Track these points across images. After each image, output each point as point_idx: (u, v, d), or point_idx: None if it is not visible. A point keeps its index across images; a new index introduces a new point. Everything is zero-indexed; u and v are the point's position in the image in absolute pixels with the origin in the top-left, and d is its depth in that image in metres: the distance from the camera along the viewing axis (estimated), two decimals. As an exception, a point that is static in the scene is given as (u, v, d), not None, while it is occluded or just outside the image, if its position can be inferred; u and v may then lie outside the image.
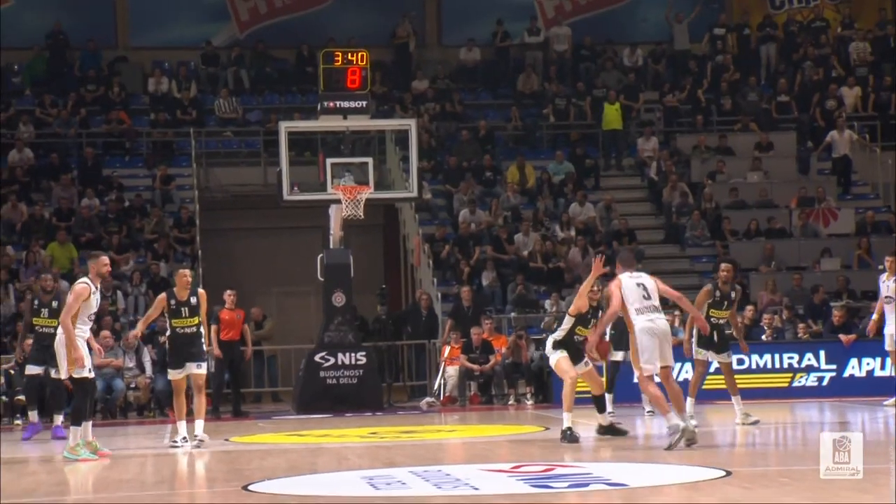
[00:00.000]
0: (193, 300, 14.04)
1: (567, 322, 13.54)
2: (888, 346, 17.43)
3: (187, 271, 14.34)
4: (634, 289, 12.34)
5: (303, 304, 25.45)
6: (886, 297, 17.29)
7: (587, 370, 13.73)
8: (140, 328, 14.84)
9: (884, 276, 17.41)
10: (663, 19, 29.01)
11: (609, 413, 16.23)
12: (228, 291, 19.30)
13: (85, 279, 12.85)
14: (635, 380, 16.35)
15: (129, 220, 24.23)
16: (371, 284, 22.83)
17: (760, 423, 14.81)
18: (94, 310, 12.91)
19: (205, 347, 14.23)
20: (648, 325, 12.23)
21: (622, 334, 16.09)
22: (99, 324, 20.50)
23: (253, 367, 21.98)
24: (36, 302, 16.11)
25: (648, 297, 12.32)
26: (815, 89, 27.77)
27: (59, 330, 12.87)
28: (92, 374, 12.82)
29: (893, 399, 17.17)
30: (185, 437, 14.09)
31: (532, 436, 15.17)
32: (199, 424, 14.09)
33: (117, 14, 28.76)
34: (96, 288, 12.84)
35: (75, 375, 12.67)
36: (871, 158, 26.56)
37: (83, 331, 12.76)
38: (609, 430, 13.89)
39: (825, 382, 19.69)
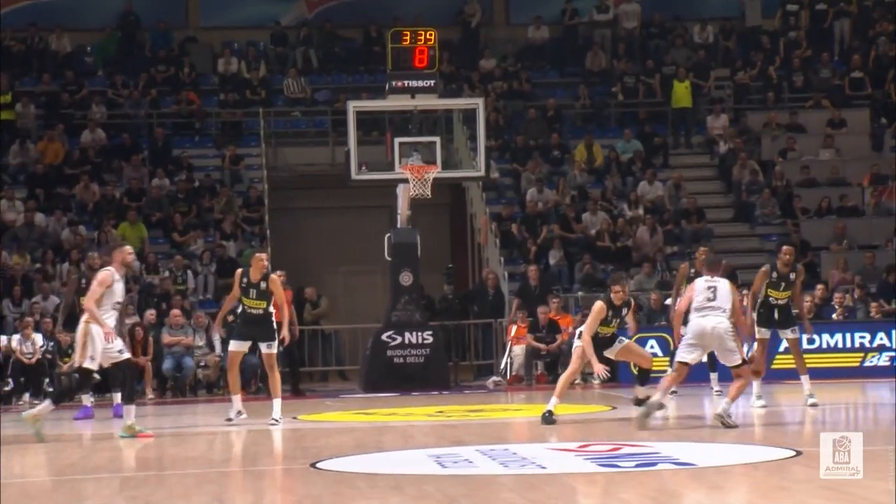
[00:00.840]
0: (263, 285, 14.18)
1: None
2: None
3: (264, 255, 14.50)
4: (703, 290, 12.77)
5: (370, 283, 25.54)
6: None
7: (623, 346, 13.92)
8: (223, 311, 15.04)
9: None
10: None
11: (716, 391, 16.15)
12: (278, 272, 19.34)
13: (109, 267, 12.94)
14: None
15: (198, 200, 24.42)
16: (438, 263, 22.86)
17: (818, 406, 14.56)
18: (119, 299, 12.91)
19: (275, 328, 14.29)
20: (698, 323, 12.63)
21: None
22: (168, 303, 20.78)
23: (320, 346, 22.11)
24: (83, 281, 16.14)
25: (713, 299, 12.67)
26: (891, 65, 27.32)
27: (82, 318, 12.89)
28: (96, 366, 12.80)
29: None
30: (239, 412, 14.22)
31: (599, 415, 15.12)
32: (277, 404, 14.18)
33: (187, -6, 29.00)
34: (120, 277, 12.93)
35: (83, 365, 12.76)
36: (947, 135, 26.11)
37: (107, 316, 12.83)
38: (641, 404, 13.89)
39: (897, 362, 19.46)
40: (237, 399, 14.37)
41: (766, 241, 24.00)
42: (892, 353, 19.52)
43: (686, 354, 12.74)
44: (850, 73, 27.36)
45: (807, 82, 27.38)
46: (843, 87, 27.25)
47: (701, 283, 12.86)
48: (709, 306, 12.62)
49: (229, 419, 14.27)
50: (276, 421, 14.05)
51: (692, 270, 16.65)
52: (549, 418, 13.37)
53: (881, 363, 19.45)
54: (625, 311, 13.73)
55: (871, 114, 26.67)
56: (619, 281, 14.06)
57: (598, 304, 13.71)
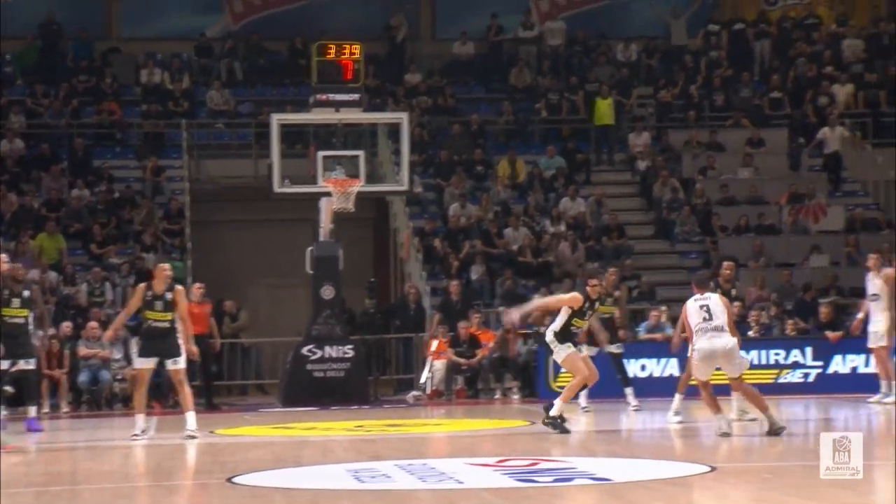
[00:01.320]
0: (169, 296, 14.00)
1: (564, 313, 13.76)
2: (871, 344, 17.43)
3: (167, 266, 14.39)
4: (697, 311, 13.02)
5: (293, 296, 25.41)
6: (872, 294, 17.31)
7: (582, 355, 14.16)
8: (118, 322, 14.90)
9: (870, 274, 17.44)
10: (657, 15, 29.01)
11: (584, 408, 16.43)
12: (196, 284, 19.21)
13: None
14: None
15: (118, 212, 24.18)
16: (360, 277, 22.83)
17: (757, 420, 14.74)
18: None
19: (181, 342, 14.14)
20: (704, 345, 12.90)
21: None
22: (85, 316, 20.55)
23: (239, 360, 21.99)
24: (7, 292, 15.93)
25: (710, 318, 12.92)
26: (808, 86, 27.77)
27: None
28: None
29: (877, 396, 17.21)
30: (143, 430, 14.09)
31: (517, 430, 15.19)
32: (191, 417, 14.07)
33: (111, 4, 28.71)
34: None
35: None
36: (862, 156, 26.57)
37: None
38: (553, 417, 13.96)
39: (811, 379, 19.76)
40: (141, 418, 14.16)
41: (686, 258, 24.28)
42: (806, 371, 19.83)
43: (701, 375, 13.06)
44: (769, 92, 27.77)
45: (727, 101, 27.73)
46: (762, 107, 27.65)
47: (692, 305, 13.09)
48: (707, 327, 12.88)
49: (135, 435, 14.10)
50: (193, 434, 13.92)
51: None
52: (561, 425, 13.43)
53: (795, 380, 19.75)
54: (598, 304, 13.82)
55: (790, 133, 27.05)
56: (597, 274, 14.17)
57: (576, 294, 13.83)
